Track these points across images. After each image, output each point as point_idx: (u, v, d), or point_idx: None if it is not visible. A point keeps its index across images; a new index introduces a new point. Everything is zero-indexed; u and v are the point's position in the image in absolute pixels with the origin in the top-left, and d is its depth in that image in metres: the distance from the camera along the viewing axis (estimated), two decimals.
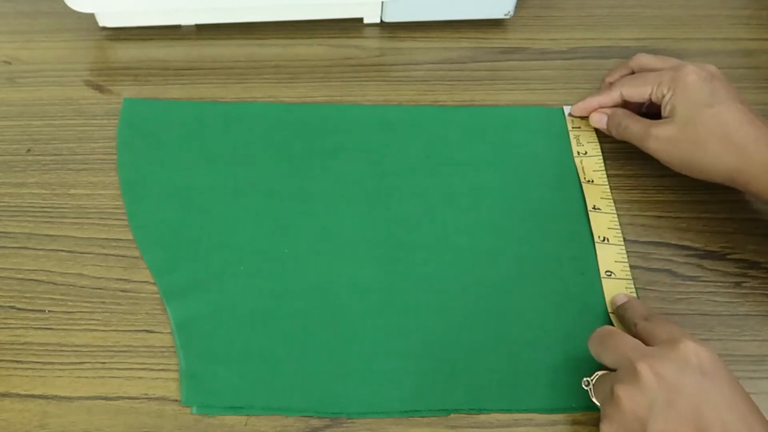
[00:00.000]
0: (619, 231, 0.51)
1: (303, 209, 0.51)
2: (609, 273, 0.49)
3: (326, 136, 0.55)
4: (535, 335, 0.46)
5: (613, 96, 0.54)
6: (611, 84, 0.55)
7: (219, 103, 0.57)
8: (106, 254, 0.49)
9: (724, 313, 0.48)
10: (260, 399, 0.44)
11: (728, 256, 0.50)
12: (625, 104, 0.54)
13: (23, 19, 0.62)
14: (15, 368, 0.45)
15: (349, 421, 0.43)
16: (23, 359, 0.45)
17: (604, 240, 0.50)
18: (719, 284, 0.48)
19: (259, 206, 0.51)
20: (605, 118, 0.54)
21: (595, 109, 0.55)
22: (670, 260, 0.50)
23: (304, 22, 0.62)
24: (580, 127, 0.56)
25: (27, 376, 0.45)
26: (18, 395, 0.44)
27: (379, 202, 0.52)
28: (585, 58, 0.61)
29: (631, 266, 0.49)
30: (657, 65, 0.54)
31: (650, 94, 0.52)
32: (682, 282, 0.49)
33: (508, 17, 0.62)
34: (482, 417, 0.44)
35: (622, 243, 0.50)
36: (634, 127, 0.52)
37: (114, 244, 0.50)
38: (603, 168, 0.54)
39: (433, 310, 0.47)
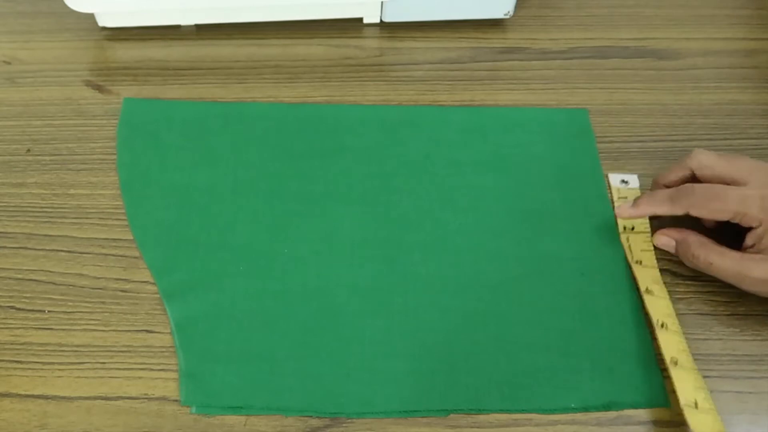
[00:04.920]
0: (676, 318, 0.46)
1: (302, 209, 0.51)
2: (674, 361, 0.45)
3: (326, 137, 0.55)
4: (533, 335, 0.46)
5: (676, 211, 0.46)
6: (672, 195, 0.47)
7: (219, 103, 0.57)
8: (106, 254, 0.49)
9: (724, 313, 0.48)
10: (259, 399, 0.44)
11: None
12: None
13: (23, 19, 0.62)
14: (15, 368, 0.45)
15: (349, 421, 0.43)
16: (23, 359, 0.45)
17: (662, 326, 0.46)
18: (719, 284, 0.48)
19: (259, 206, 0.51)
20: (673, 244, 0.48)
21: (646, 215, 0.49)
22: (670, 260, 0.50)
23: (304, 22, 0.62)
24: (626, 198, 0.51)
25: (27, 376, 0.45)
26: (18, 395, 0.44)
27: (379, 202, 0.52)
28: (585, 57, 0.61)
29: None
30: (725, 172, 0.46)
31: (731, 219, 0.45)
32: (682, 282, 0.49)
33: (507, 17, 0.62)
34: (482, 417, 0.44)
35: (680, 330, 0.46)
36: (721, 264, 0.45)
37: (114, 244, 0.50)
38: (652, 247, 0.49)
39: (433, 311, 0.47)
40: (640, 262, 0.49)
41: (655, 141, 0.56)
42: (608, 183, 0.53)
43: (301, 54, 0.61)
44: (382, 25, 0.63)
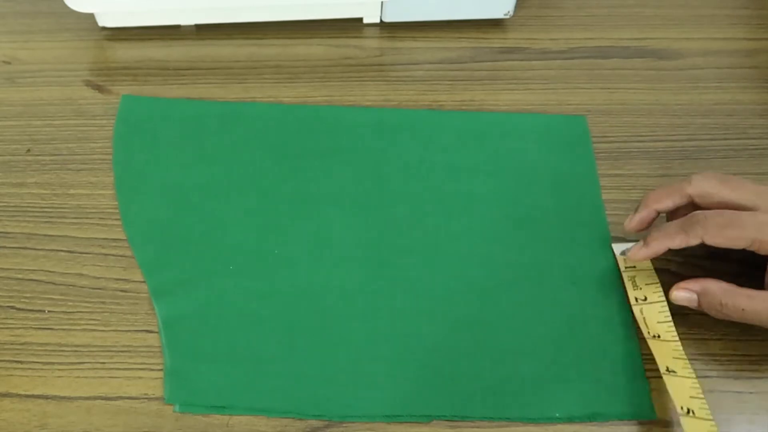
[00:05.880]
0: (704, 400, 0.42)
1: (295, 210, 0.51)
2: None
3: (322, 138, 0.55)
4: (521, 343, 0.46)
5: (691, 242, 0.43)
6: (684, 225, 0.43)
7: (217, 102, 0.57)
8: (106, 254, 0.49)
9: None
10: (242, 399, 0.44)
11: (729, 256, 0.50)
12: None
13: (23, 19, 0.62)
14: (15, 368, 0.45)
15: (348, 421, 0.43)
16: (23, 359, 0.45)
17: (689, 413, 0.41)
18: None
19: (252, 206, 0.51)
20: (694, 298, 0.44)
21: (661, 252, 0.45)
22: (670, 260, 0.50)
23: (304, 22, 0.62)
24: (635, 267, 0.48)
25: (27, 376, 0.45)
26: (18, 395, 0.44)
27: (372, 205, 0.52)
28: (585, 57, 0.61)
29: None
30: (730, 199, 0.43)
31: (747, 247, 0.42)
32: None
33: (507, 17, 0.62)
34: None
35: (711, 417, 0.41)
36: (753, 308, 0.42)
37: (114, 244, 0.50)
38: (669, 318, 0.45)
39: (420, 316, 0.47)
40: (658, 336, 0.45)
41: (655, 141, 0.56)
42: (613, 253, 0.49)
43: (301, 54, 0.61)
44: (382, 25, 0.63)
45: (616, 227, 0.51)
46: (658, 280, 0.47)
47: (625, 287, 0.47)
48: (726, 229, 0.42)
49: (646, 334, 0.45)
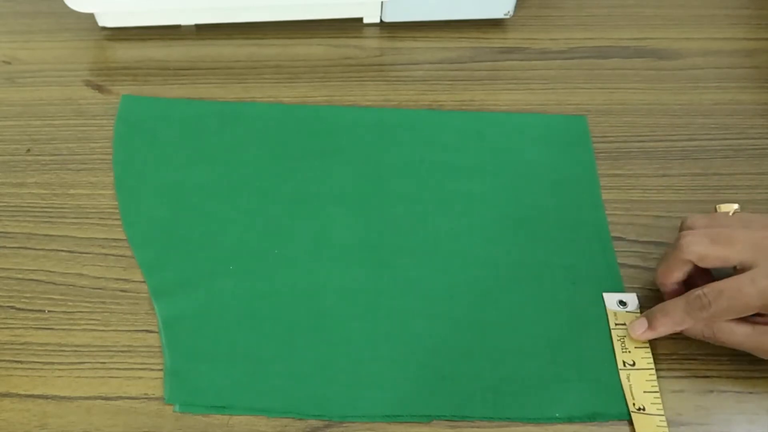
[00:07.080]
0: None
1: (295, 210, 0.51)
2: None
3: (322, 138, 0.55)
4: (521, 343, 0.46)
5: (698, 325, 0.44)
6: (688, 309, 0.44)
7: (216, 102, 0.57)
8: (106, 254, 0.49)
9: None
10: (243, 399, 0.44)
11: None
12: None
13: (23, 19, 0.62)
14: (15, 368, 0.45)
15: (348, 421, 0.43)
16: (23, 359, 0.45)
17: None
18: None
19: (252, 206, 0.51)
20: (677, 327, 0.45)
21: (665, 334, 0.45)
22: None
23: (304, 22, 0.62)
24: (625, 324, 0.46)
25: (27, 376, 0.45)
26: (18, 395, 0.44)
27: (372, 205, 0.52)
28: (584, 57, 0.61)
29: (630, 266, 0.49)
30: (725, 259, 0.43)
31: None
32: None
33: (507, 17, 0.62)
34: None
35: None
36: (733, 340, 0.44)
37: (114, 244, 0.50)
38: (657, 388, 0.44)
39: (421, 315, 0.47)
40: (643, 409, 0.43)
41: (655, 141, 0.56)
42: (604, 304, 0.47)
43: (301, 54, 0.61)
44: (382, 25, 0.63)
45: (616, 227, 0.51)
46: (648, 344, 0.45)
47: (613, 345, 0.46)
48: (732, 307, 0.43)
49: (630, 406, 0.43)
